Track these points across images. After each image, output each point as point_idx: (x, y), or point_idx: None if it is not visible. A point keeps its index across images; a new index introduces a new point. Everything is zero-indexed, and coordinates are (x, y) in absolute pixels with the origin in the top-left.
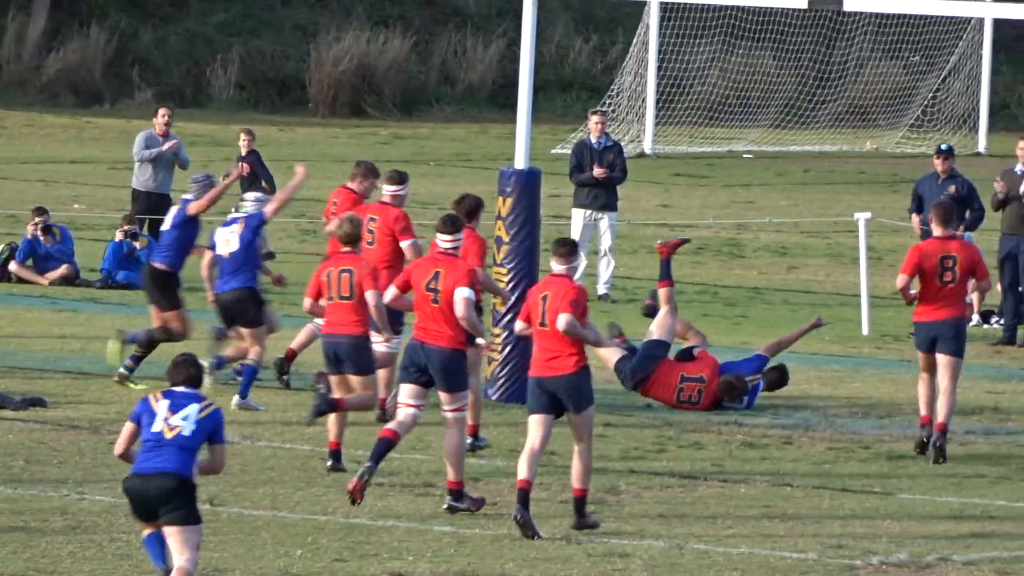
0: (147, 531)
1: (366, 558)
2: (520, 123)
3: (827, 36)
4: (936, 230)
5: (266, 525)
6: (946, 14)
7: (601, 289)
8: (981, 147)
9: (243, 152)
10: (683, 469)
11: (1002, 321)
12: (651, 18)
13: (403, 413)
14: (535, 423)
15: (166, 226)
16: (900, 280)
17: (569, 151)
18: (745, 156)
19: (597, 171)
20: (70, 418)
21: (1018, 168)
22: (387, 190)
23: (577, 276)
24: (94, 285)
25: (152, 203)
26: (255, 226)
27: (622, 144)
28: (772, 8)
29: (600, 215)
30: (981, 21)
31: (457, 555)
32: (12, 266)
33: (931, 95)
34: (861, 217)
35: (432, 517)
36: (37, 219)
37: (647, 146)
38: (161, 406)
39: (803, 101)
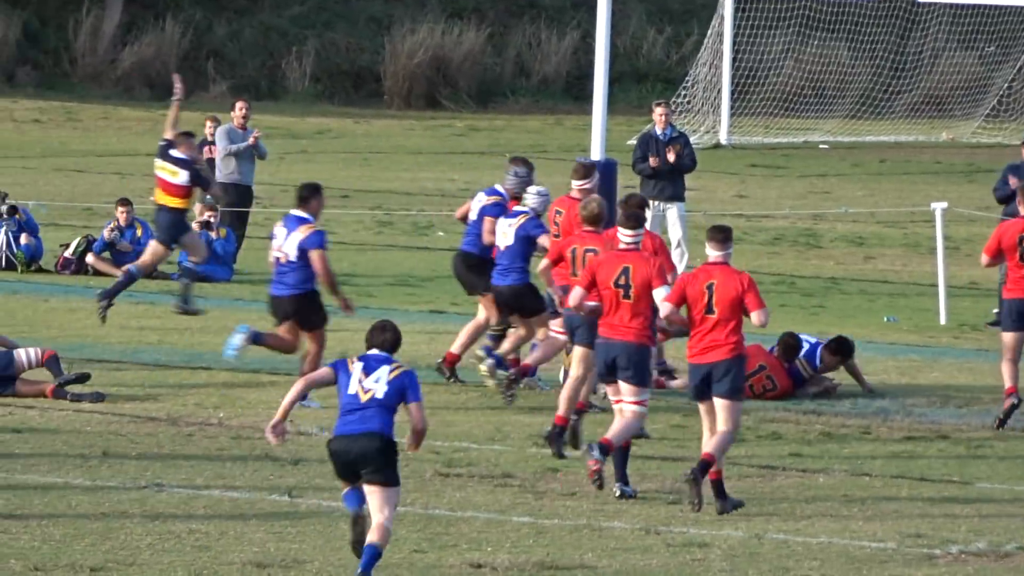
0: (346, 489)
1: (445, 549)
2: (596, 114)
3: (902, 27)
4: (1022, 208)
5: (344, 516)
6: (1021, 3)
7: None
8: None
9: (208, 137)
10: (762, 459)
11: None
12: (726, 9)
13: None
14: (704, 411)
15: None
16: (984, 260)
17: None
18: (821, 147)
19: (670, 156)
20: (148, 410)
21: None
22: (575, 184)
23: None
24: (171, 277)
25: (237, 195)
26: (534, 224)
27: (688, 135)
28: None
29: (669, 205)
30: None
31: (536, 546)
32: (89, 258)
33: (1007, 85)
34: (938, 207)
35: (511, 508)
36: (122, 209)
37: (723, 137)
38: (356, 368)
39: (878, 92)
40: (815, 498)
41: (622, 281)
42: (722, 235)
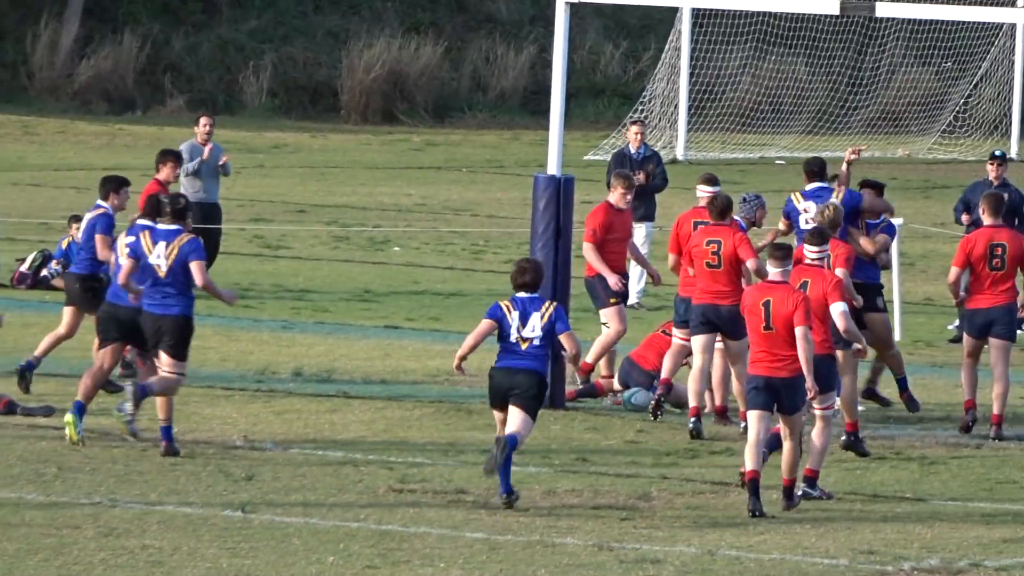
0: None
1: (398, 565)
2: (553, 129)
3: (859, 42)
4: (987, 219)
5: (298, 532)
6: (979, 19)
7: (632, 299)
8: (1013, 153)
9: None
10: (715, 475)
11: None
12: (683, 24)
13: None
14: (755, 418)
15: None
16: (952, 273)
17: (601, 157)
18: (777, 162)
19: (639, 177)
20: (102, 425)
21: None
22: (702, 190)
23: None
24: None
25: (202, 214)
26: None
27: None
28: (804, 14)
29: (639, 225)
30: (1013, 27)
31: (489, 561)
32: (45, 272)
33: (963, 101)
34: (894, 223)
35: (464, 523)
36: (75, 226)
37: (679, 152)
38: (513, 317)
39: (835, 107)
40: (768, 514)
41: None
42: (782, 252)
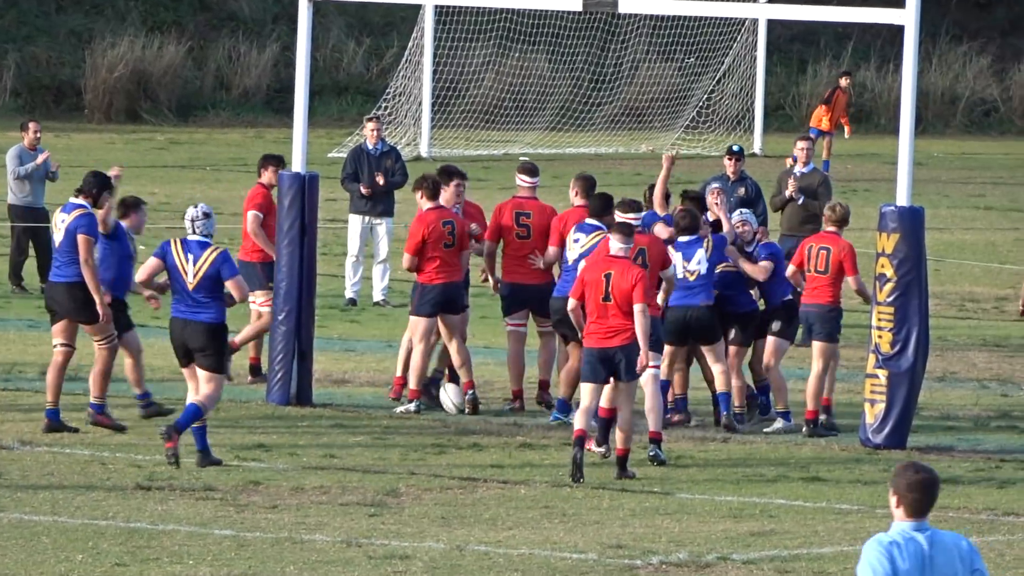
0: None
1: (147, 563)
2: (297, 127)
3: (601, 38)
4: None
5: (46, 530)
6: (720, 15)
7: (377, 296)
8: (756, 148)
9: None
10: (463, 471)
11: None
12: (426, 22)
13: None
14: (591, 391)
15: None
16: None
17: (344, 154)
18: (521, 159)
19: (379, 180)
20: None
21: (796, 169)
22: (522, 180)
23: (356, 281)
24: None
25: (33, 217)
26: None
27: (399, 149)
28: (547, 11)
29: (378, 221)
30: (755, 22)
31: (238, 559)
32: None
33: (706, 96)
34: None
35: (212, 521)
36: None
37: (423, 149)
38: (676, 258)
39: (578, 103)
40: (516, 509)
41: None
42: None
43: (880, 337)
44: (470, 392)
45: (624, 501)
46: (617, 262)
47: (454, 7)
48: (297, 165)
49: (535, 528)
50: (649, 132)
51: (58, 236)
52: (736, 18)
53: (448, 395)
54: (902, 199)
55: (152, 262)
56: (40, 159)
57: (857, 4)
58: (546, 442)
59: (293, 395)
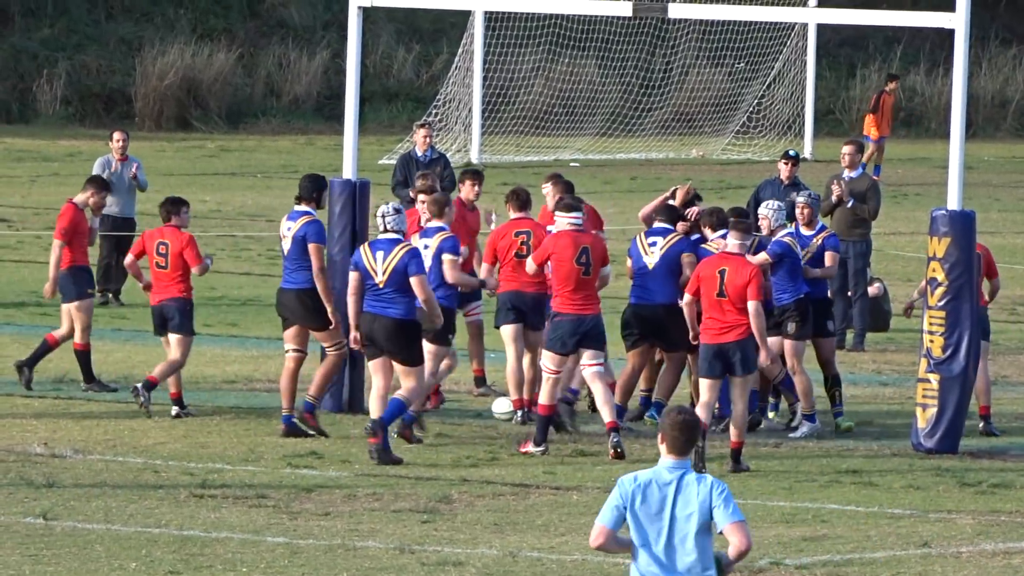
0: None
1: (200, 570)
2: (347, 134)
3: (651, 44)
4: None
5: (100, 538)
6: (770, 19)
7: None
8: (807, 152)
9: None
10: (515, 477)
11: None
12: (476, 28)
13: None
14: (709, 386)
15: None
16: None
17: (395, 161)
18: (572, 164)
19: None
20: None
21: (845, 174)
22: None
23: None
24: None
25: (117, 227)
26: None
27: (448, 155)
28: (597, 16)
29: None
30: (805, 27)
31: (291, 566)
32: None
33: (756, 101)
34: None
35: (265, 528)
36: None
37: (474, 156)
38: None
39: (628, 109)
40: (569, 515)
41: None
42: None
43: (932, 341)
44: (520, 411)
45: None
46: (731, 259)
47: (504, 13)
48: (348, 172)
49: (587, 534)
50: (699, 137)
51: (286, 244)
52: (785, 23)
53: (499, 404)
54: (953, 203)
55: (352, 275)
56: (125, 168)
57: (906, 8)
58: (599, 448)
59: (345, 402)
